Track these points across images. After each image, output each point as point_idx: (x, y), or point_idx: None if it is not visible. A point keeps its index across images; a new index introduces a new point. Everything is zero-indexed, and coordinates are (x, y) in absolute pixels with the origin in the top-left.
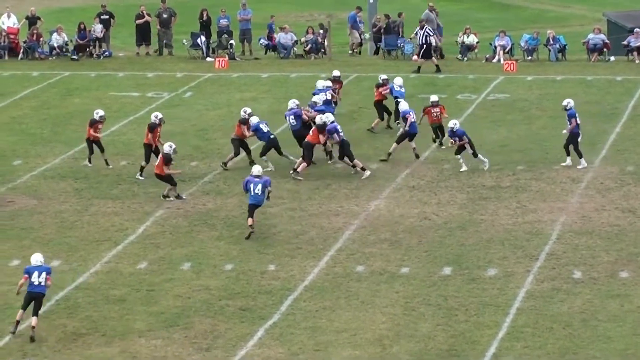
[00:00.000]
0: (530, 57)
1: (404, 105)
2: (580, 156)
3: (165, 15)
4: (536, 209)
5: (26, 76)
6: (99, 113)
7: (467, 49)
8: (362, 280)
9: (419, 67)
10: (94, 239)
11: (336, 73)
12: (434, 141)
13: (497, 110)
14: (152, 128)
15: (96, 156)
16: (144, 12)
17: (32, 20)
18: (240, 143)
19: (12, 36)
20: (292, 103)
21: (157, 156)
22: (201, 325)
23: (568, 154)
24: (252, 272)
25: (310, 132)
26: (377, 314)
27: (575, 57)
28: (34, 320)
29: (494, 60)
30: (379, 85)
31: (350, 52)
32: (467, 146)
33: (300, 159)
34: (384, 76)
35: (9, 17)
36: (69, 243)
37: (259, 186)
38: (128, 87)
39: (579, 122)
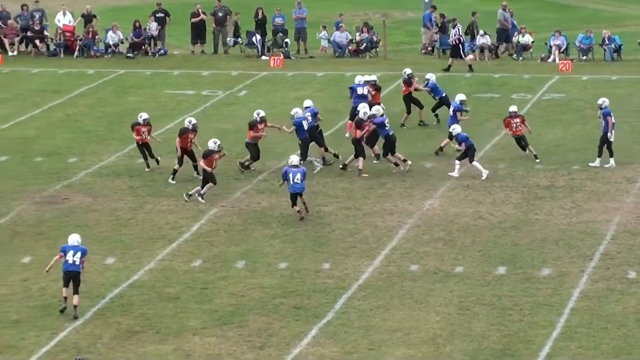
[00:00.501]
0: (585, 57)
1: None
2: (600, 155)
3: (220, 14)
4: (591, 209)
5: (82, 74)
6: (142, 116)
7: (523, 48)
8: (416, 280)
9: (470, 66)
10: (148, 237)
11: (369, 77)
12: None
13: (552, 110)
14: (182, 133)
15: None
16: (200, 10)
17: (88, 18)
18: (255, 147)
19: (68, 34)
20: (309, 102)
21: (192, 159)
22: (255, 324)
23: (611, 154)
24: (306, 271)
25: (352, 128)
26: (431, 313)
27: (631, 57)
28: (75, 299)
29: (549, 60)
30: (406, 81)
31: (423, 51)
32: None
33: (352, 157)
34: (408, 71)
35: (64, 14)
36: (123, 241)
37: (298, 175)
38: (183, 85)
39: (614, 121)
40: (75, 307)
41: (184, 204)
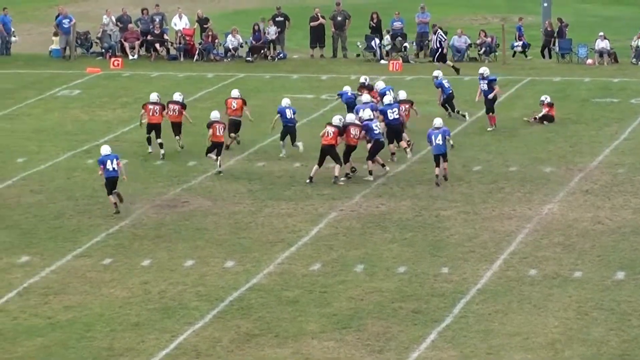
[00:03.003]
0: None
1: None
2: None
3: (339, 18)
4: None
5: (201, 77)
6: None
7: None
8: (534, 284)
9: (458, 69)
10: (267, 240)
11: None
12: None
13: None
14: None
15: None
16: (319, 14)
17: (203, 22)
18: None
19: (187, 37)
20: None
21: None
22: (374, 328)
23: None
24: (424, 275)
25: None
26: (549, 317)
27: None
28: (114, 197)
29: None
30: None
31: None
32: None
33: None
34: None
35: (180, 18)
36: (242, 244)
37: (439, 136)
38: (302, 89)
39: None
40: (115, 204)
41: (302, 208)
